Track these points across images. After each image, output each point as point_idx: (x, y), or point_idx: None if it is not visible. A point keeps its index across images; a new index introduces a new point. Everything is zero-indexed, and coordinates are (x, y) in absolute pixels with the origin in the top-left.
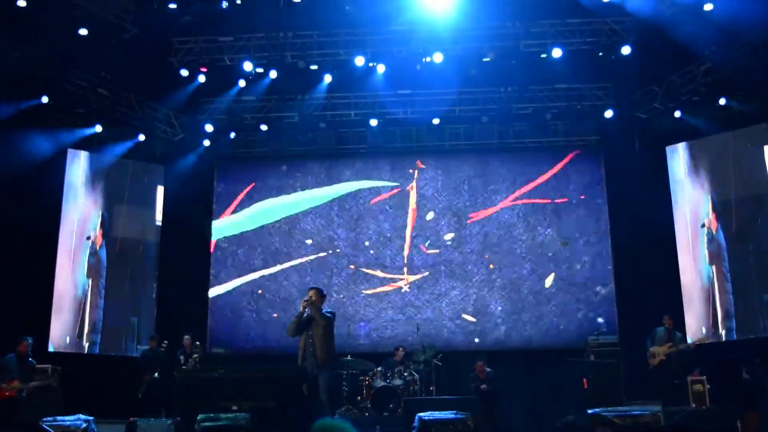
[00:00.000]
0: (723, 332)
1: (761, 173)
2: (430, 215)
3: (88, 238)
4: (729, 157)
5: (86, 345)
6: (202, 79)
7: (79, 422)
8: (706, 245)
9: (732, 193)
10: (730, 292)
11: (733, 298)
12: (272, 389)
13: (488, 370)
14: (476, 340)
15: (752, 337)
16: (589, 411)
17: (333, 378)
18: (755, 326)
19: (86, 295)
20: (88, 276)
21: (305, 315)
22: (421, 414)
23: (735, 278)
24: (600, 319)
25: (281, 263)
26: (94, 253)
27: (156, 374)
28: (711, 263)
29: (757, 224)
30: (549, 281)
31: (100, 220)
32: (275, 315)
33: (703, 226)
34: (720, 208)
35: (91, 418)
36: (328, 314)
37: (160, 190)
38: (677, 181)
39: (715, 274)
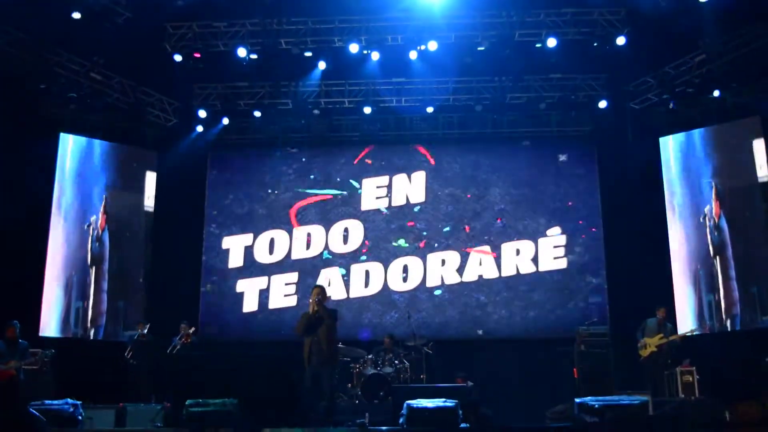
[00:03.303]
0: (728, 322)
1: (751, 166)
2: (423, 204)
3: (89, 225)
4: (722, 148)
5: (92, 330)
6: (195, 64)
7: (66, 406)
8: (709, 235)
9: (725, 185)
10: (735, 280)
11: (737, 286)
12: (261, 376)
13: (470, 383)
14: (468, 328)
15: (737, 329)
16: (577, 400)
17: (336, 372)
18: (741, 317)
19: (89, 281)
20: (91, 264)
21: (314, 314)
22: (410, 401)
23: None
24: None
25: (275, 251)
26: (97, 239)
27: (131, 359)
28: (715, 254)
29: (745, 216)
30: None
31: (103, 204)
32: (267, 301)
33: (704, 217)
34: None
35: (78, 402)
36: (333, 312)
37: (152, 176)
38: (670, 172)
39: (719, 263)
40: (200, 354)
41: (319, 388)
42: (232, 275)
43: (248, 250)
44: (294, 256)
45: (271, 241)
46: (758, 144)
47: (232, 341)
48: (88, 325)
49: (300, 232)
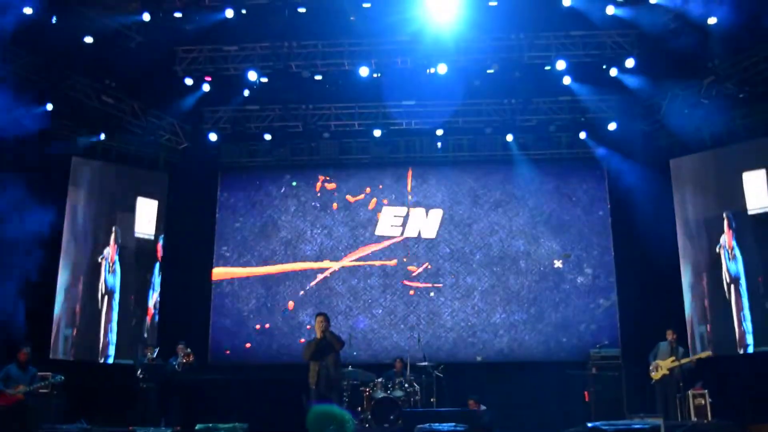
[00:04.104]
0: (741, 350)
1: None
2: (432, 226)
3: (102, 258)
4: (732, 171)
5: (101, 359)
6: (206, 88)
7: (77, 430)
8: (725, 265)
9: (733, 208)
10: (748, 310)
11: (750, 314)
12: (270, 399)
13: (483, 407)
14: (478, 351)
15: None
16: (589, 424)
17: (342, 395)
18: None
19: (102, 312)
20: (103, 295)
21: (318, 342)
22: (421, 426)
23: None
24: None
25: (285, 273)
26: (110, 271)
27: (141, 382)
28: (730, 281)
29: (745, 242)
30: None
31: (113, 235)
32: (276, 325)
33: (720, 247)
34: (735, 223)
35: (89, 426)
36: (340, 338)
37: (144, 201)
38: (680, 195)
39: (733, 291)
40: (210, 378)
41: None
42: (242, 298)
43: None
44: (293, 278)
45: (283, 266)
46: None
47: (242, 365)
48: (100, 352)
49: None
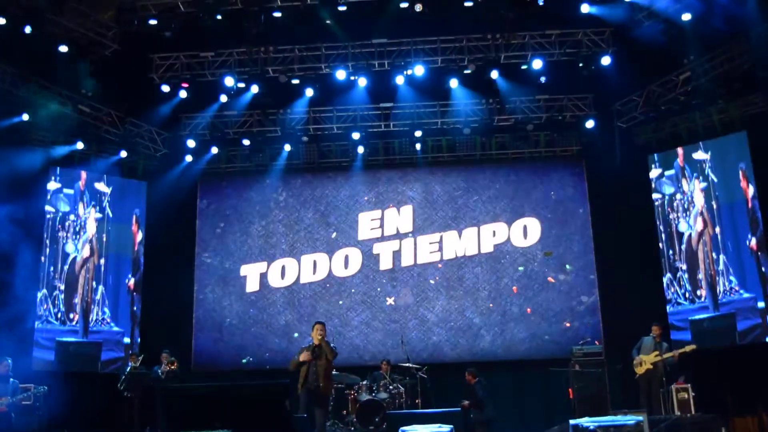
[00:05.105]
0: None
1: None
2: (413, 228)
3: (88, 256)
4: (709, 165)
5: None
6: (183, 94)
7: None
8: (710, 248)
9: (715, 200)
10: (738, 292)
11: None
12: (256, 406)
13: (477, 379)
14: (461, 351)
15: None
16: (572, 422)
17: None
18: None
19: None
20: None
21: (313, 348)
22: (404, 428)
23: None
24: (589, 339)
25: (266, 278)
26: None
27: (124, 390)
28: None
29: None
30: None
31: (104, 238)
32: (261, 331)
33: (704, 227)
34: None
35: None
36: (335, 348)
37: (142, 207)
38: (659, 189)
39: (722, 279)
40: (194, 385)
41: (312, 417)
42: (224, 304)
43: (243, 278)
44: (276, 284)
45: (264, 272)
46: None
47: (225, 371)
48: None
49: (282, 261)
